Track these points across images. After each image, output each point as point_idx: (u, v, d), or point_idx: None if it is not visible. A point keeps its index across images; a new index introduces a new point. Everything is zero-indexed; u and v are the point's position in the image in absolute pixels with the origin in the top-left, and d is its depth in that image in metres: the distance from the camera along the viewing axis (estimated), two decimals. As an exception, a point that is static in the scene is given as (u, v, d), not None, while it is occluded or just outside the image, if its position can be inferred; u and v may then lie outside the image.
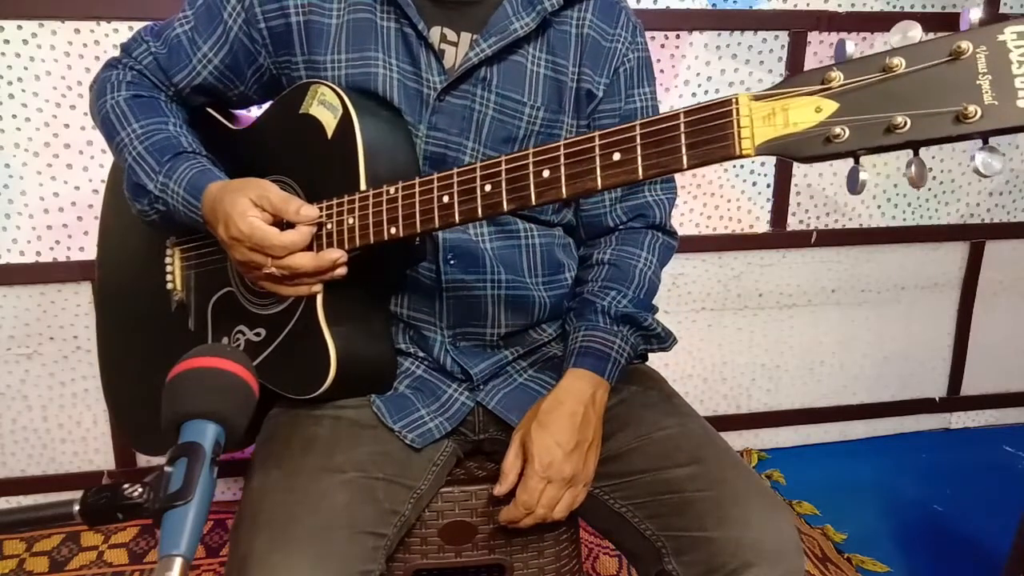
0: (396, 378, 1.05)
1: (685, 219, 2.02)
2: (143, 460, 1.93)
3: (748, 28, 1.94)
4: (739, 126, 0.68)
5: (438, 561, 1.05)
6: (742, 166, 2.04)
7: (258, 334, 1.00)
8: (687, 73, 1.95)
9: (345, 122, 0.91)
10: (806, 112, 0.66)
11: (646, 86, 1.10)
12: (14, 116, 1.67)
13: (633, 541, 0.98)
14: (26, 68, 1.65)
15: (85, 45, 1.66)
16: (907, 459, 2.23)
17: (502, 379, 1.08)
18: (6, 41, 1.63)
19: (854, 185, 0.70)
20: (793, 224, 2.12)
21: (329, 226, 0.91)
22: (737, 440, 2.21)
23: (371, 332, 1.02)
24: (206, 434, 0.55)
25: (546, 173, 0.79)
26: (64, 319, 1.81)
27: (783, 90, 0.67)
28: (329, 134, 0.93)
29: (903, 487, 2.10)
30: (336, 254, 0.90)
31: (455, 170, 0.84)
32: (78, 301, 1.81)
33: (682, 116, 0.71)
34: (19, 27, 1.63)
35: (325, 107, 0.93)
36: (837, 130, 0.65)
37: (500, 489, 0.97)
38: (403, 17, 0.98)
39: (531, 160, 0.80)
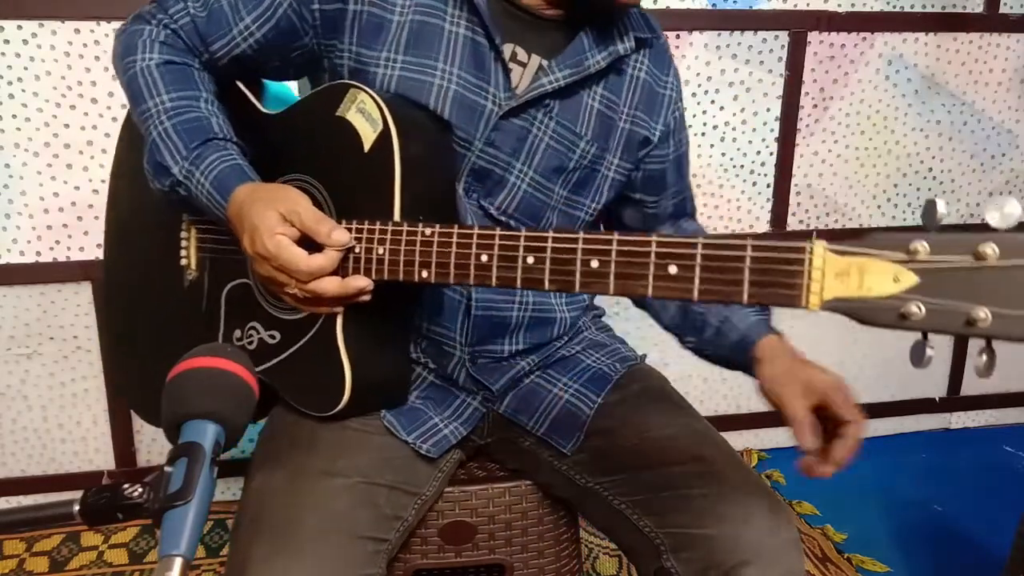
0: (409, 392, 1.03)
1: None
2: (143, 460, 1.93)
3: (748, 28, 1.94)
4: (809, 277, 0.64)
5: (438, 561, 1.05)
6: (742, 166, 2.05)
7: (272, 336, 0.98)
8: (687, 73, 1.95)
9: (384, 140, 0.87)
10: (883, 280, 0.62)
11: (684, 130, 1.11)
12: (14, 116, 1.67)
13: (632, 538, 0.98)
14: (26, 68, 1.65)
15: (85, 45, 1.66)
16: (907, 459, 2.23)
17: (515, 384, 1.08)
18: (6, 41, 1.63)
19: (919, 361, 0.64)
20: (793, 224, 2.12)
21: (357, 250, 0.87)
22: (737, 440, 2.21)
23: (389, 353, 0.99)
24: (206, 434, 0.55)
25: (595, 264, 0.75)
26: (64, 319, 1.81)
27: (863, 250, 0.63)
28: (366, 148, 0.88)
29: (903, 487, 2.10)
30: (363, 283, 0.86)
31: (497, 231, 0.80)
32: (78, 301, 1.81)
33: (750, 249, 0.67)
34: (19, 27, 1.63)
35: (364, 117, 0.89)
36: (913, 308, 0.61)
37: (815, 442, 0.88)
38: (480, 27, 0.94)
39: (580, 246, 0.76)
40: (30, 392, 1.85)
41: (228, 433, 0.57)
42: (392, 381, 1.01)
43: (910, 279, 0.61)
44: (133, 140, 1.08)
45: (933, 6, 2.03)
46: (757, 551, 0.87)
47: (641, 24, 1.02)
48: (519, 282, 0.80)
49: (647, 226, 1.14)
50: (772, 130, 2.04)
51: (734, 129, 2.02)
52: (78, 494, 0.53)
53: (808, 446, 0.87)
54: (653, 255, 0.71)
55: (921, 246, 0.61)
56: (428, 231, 0.84)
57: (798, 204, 2.11)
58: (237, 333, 1.02)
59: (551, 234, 0.78)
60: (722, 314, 1.03)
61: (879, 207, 2.17)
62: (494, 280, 0.81)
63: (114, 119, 1.71)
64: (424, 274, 0.85)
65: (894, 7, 2.01)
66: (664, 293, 0.72)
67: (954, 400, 2.36)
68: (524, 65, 0.98)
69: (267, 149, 0.99)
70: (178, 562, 0.49)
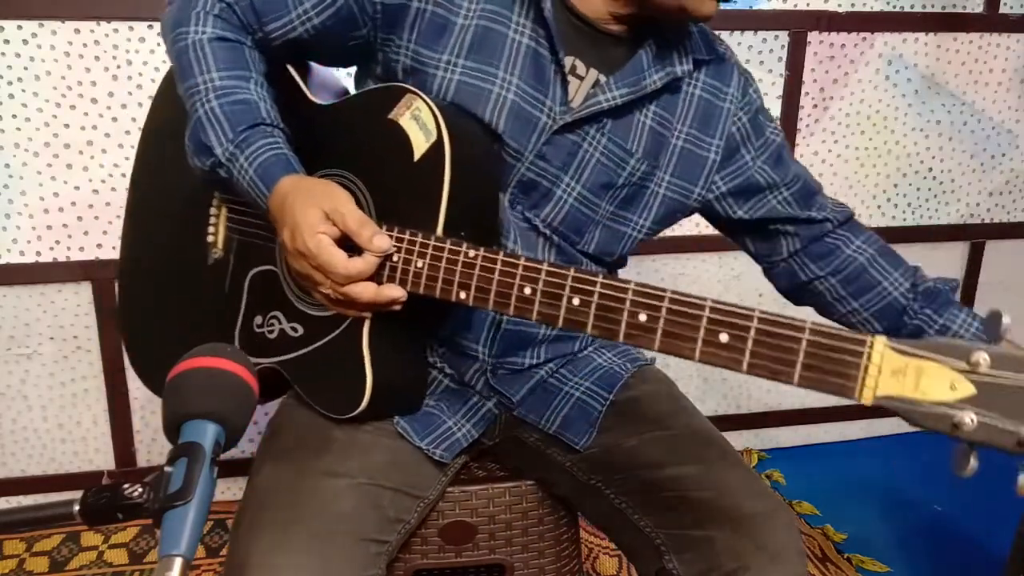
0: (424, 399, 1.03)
1: (686, 218, 2.01)
2: (143, 460, 1.93)
3: (748, 28, 1.94)
4: (866, 372, 0.64)
5: (438, 561, 1.05)
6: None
7: (295, 329, 0.97)
8: (687, 73, 1.95)
9: (436, 152, 0.85)
10: (939, 385, 0.62)
11: (769, 123, 1.08)
12: (14, 116, 1.67)
13: (632, 538, 0.98)
14: (26, 68, 1.65)
15: (85, 45, 1.66)
16: (907, 459, 2.23)
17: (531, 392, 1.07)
18: (6, 41, 1.63)
19: (961, 468, 0.65)
20: (793, 224, 2.12)
21: (395, 259, 0.86)
22: (737, 440, 2.21)
23: (411, 362, 0.99)
24: (206, 434, 0.55)
25: (643, 317, 0.73)
26: (64, 319, 1.81)
27: (924, 353, 0.62)
28: (415, 156, 0.87)
29: (903, 487, 2.10)
30: (397, 293, 0.86)
31: (545, 265, 0.79)
32: (78, 301, 1.81)
33: (807, 332, 0.66)
34: (19, 27, 1.63)
35: (418, 124, 0.87)
36: (966, 419, 0.61)
37: None
38: (544, 40, 0.93)
39: (629, 296, 0.74)
40: (30, 392, 1.85)
41: (228, 433, 0.57)
42: (410, 389, 1.00)
43: (967, 389, 0.61)
44: (172, 102, 1.04)
45: (933, 6, 2.03)
46: (759, 555, 0.87)
47: (700, 46, 1.01)
48: (561, 322, 0.78)
49: (776, 225, 1.10)
50: (772, 130, 2.04)
51: (734, 129, 2.01)
52: (78, 494, 0.53)
53: None
54: (705, 319, 0.70)
55: (983, 358, 0.60)
56: (472, 253, 0.82)
57: (798, 204, 2.11)
58: (258, 320, 1.01)
59: (600, 279, 0.76)
60: (940, 324, 1.01)
61: (879, 207, 2.16)
62: (535, 315, 0.79)
63: (114, 119, 1.71)
64: (462, 295, 0.83)
65: (894, 7, 2.01)
66: (711, 360, 0.71)
67: (954, 400, 2.36)
68: (582, 79, 0.97)
69: (311, 139, 0.97)
70: (178, 562, 0.49)
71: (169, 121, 1.07)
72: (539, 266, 0.79)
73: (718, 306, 0.70)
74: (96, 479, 1.91)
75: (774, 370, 0.68)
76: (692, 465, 0.96)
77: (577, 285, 0.77)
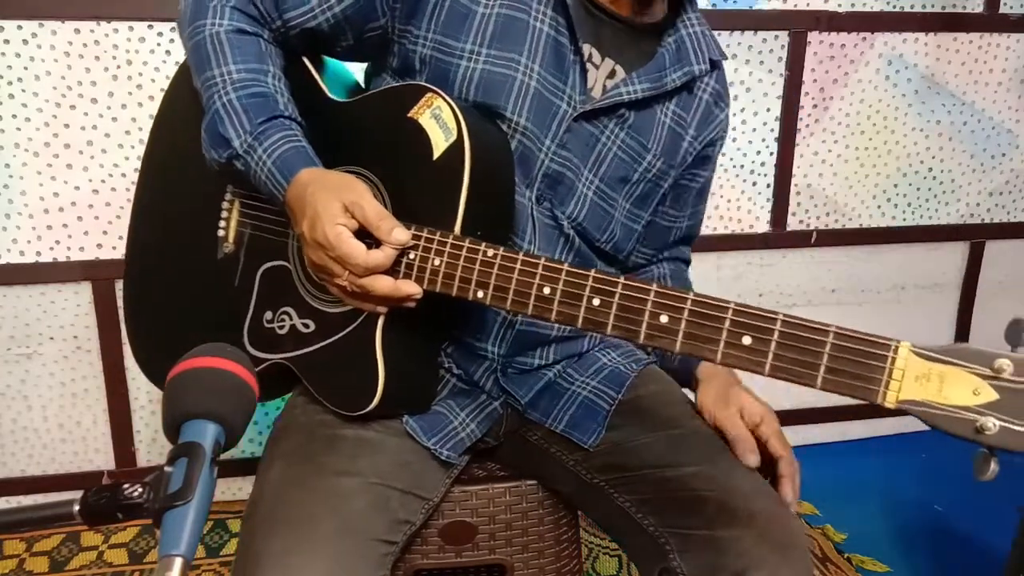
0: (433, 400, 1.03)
1: (685, 219, 2.01)
2: (143, 460, 1.93)
3: (748, 28, 1.94)
4: (890, 376, 0.65)
5: (438, 561, 1.05)
6: (742, 166, 2.05)
7: (306, 325, 0.97)
8: (687, 73, 1.95)
9: (456, 152, 0.86)
10: (962, 390, 0.63)
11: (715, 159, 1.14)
12: (14, 116, 1.67)
13: (635, 537, 0.98)
14: (26, 68, 1.65)
15: (85, 45, 1.66)
16: (907, 459, 2.23)
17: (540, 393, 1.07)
18: (6, 41, 1.63)
19: (982, 473, 0.65)
20: (793, 224, 2.12)
21: (412, 256, 0.86)
22: (737, 440, 2.21)
23: (423, 362, 0.99)
24: (206, 434, 0.55)
25: (664, 319, 0.74)
26: (64, 319, 1.81)
27: (948, 358, 0.63)
28: (435, 155, 0.87)
29: (903, 487, 2.10)
30: (413, 289, 0.86)
31: (565, 266, 0.79)
32: (78, 301, 1.81)
33: (832, 336, 0.67)
34: (19, 27, 1.63)
35: (438, 124, 0.87)
36: (988, 424, 0.62)
37: (757, 460, 0.97)
38: (563, 28, 0.94)
39: (651, 299, 0.75)
40: (30, 392, 1.85)
41: (228, 433, 0.57)
42: (422, 388, 1.00)
43: (989, 395, 0.62)
44: (186, 95, 1.04)
45: (933, 6, 2.03)
46: (766, 554, 0.87)
47: (714, 48, 1.04)
48: (580, 322, 0.78)
49: (652, 240, 1.14)
50: (772, 130, 2.04)
51: (734, 129, 2.01)
52: (78, 494, 0.53)
53: (751, 464, 0.96)
54: (728, 322, 0.71)
55: (1006, 365, 0.61)
56: (491, 252, 0.83)
57: (798, 204, 2.11)
58: (268, 315, 1.00)
59: (622, 280, 0.76)
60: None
61: (879, 207, 2.16)
62: (554, 315, 0.80)
63: (114, 119, 1.71)
64: (480, 294, 0.83)
65: (894, 7, 2.01)
66: (733, 362, 0.71)
67: (954, 400, 2.36)
68: (597, 67, 0.98)
69: (328, 135, 0.97)
70: (178, 562, 0.49)
71: (181, 113, 1.06)
72: (559, 266, 0.79)
73: (741, 308, 0.70)
74: (96, 479, 1.91)
75: (797, 373, 0.68)
76: (698, 465, 0.95)
77: (598, 286, 0.77)
